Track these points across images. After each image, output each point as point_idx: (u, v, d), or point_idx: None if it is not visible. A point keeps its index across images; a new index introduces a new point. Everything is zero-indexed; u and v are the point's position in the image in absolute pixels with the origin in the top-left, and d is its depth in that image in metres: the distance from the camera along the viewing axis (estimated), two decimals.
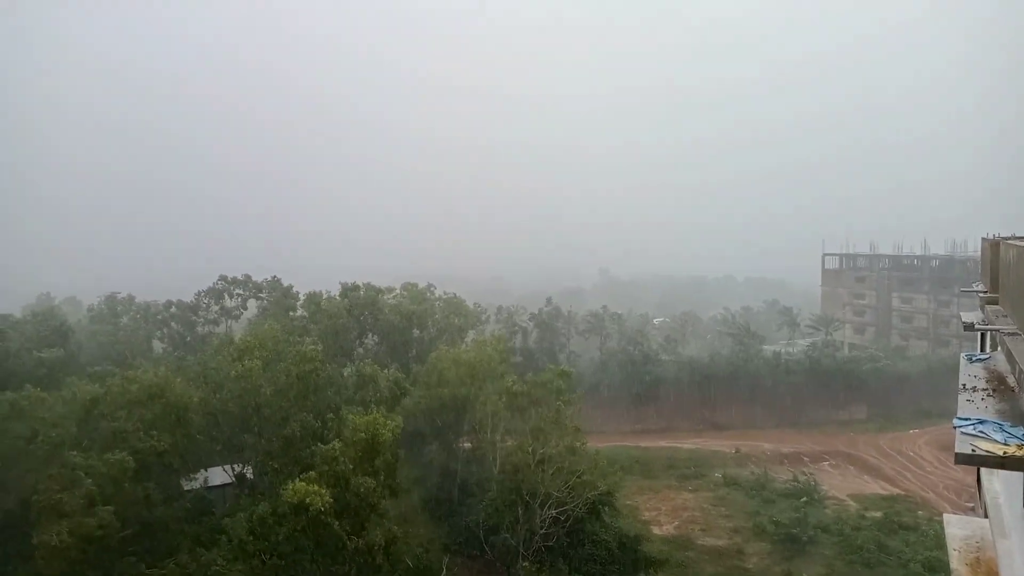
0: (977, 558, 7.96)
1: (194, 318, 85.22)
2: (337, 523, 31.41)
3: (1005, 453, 5.58)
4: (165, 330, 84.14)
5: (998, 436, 5.95)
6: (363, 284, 75.36)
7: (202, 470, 43.27)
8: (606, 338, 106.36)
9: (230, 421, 42.69)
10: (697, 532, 54.97)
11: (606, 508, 47.44)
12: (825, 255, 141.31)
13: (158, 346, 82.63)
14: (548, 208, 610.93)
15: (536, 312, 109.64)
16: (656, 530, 55.19)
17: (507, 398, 49.10)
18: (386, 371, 51.89)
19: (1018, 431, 6.08)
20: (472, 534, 46.78)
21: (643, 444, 78.50)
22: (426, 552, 43.44)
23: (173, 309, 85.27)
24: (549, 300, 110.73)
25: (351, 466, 32.96)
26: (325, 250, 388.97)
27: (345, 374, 53.53)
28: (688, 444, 79.78)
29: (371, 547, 32.51)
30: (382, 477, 34.35)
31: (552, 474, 42.98)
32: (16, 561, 33.98)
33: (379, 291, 75.17)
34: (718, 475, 67.69)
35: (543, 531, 43.22)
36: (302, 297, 78.67)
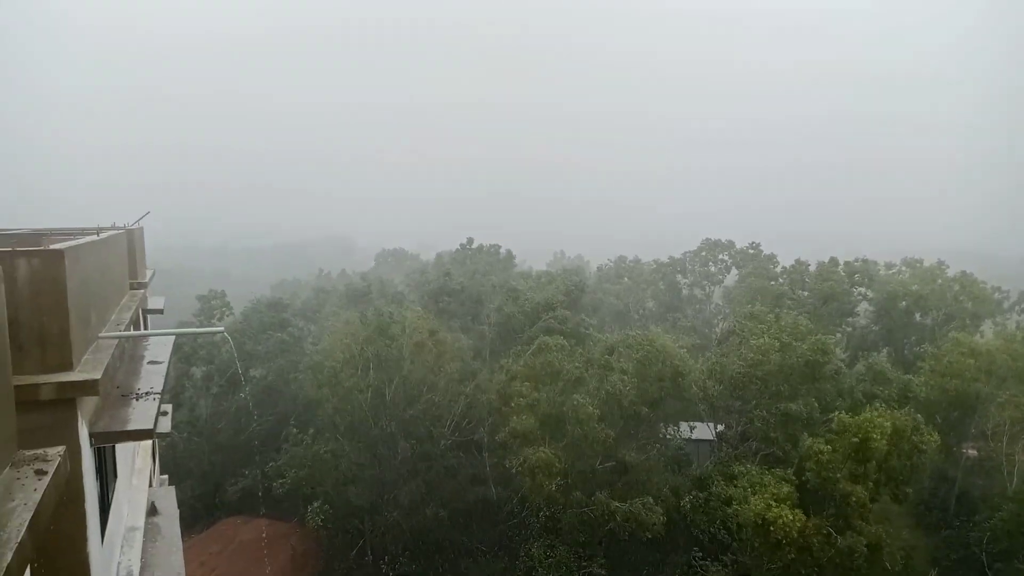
0: None
1: (680, 279, 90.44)
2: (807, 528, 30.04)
3: None
4: (656, 288, 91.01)
5: None
6: (860, 259, 69.73)
7: (686, 423, 46.55)
8: None
9: (725, 385, 43.79)
10: None
11: None
12: None
13: (652, 304, 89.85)
14: None
15: None
16: None
17: None
18: (876, 357, 47.34)
19: None
20: (971, 554, 40.70)
21: None
22: (908, 558, 39.46)
23: (662, 270, 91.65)
24: None
25: (836, 474, 30.83)
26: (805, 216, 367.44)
27: (839, 356, 49.77)
28: None
29: (852, 551, 30.52)
30: (871, 485, 31.66)
31: None
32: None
33: (876, 265, 68.69)
34: None
35: None
36: (784, 266, 77.23)
